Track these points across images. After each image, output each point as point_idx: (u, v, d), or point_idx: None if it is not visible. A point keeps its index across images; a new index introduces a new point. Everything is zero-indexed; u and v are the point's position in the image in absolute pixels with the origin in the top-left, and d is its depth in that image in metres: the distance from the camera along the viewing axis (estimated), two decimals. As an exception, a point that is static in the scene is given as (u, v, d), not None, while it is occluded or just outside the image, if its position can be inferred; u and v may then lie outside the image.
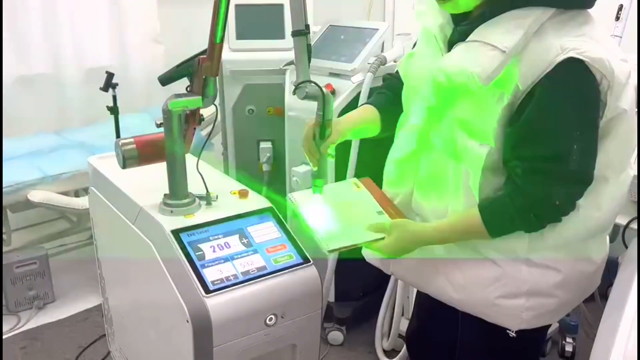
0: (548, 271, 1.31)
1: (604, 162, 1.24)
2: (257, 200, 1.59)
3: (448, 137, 1.30)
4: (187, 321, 1.30)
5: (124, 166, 1.51)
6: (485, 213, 1.27)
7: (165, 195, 1.52)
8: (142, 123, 2.89)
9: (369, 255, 1.55)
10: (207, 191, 1.55)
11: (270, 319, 1.40)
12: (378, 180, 1.55)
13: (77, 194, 2.79)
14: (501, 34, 1.18)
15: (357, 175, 2.21)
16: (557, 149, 1.18)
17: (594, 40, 1.17)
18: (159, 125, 1.48)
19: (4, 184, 2.46)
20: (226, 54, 2.60)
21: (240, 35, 2.67)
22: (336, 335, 2.50)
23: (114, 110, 2.56)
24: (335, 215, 1.44)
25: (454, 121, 1.28)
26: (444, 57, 1.28)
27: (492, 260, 1.33)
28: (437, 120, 1.34)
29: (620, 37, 2.03)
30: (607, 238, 1.42)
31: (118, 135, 2.57)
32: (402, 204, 1.47)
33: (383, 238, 1.37)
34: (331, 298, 2.52)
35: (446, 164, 1.33)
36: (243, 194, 1.60)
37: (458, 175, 1.30)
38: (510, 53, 1.17)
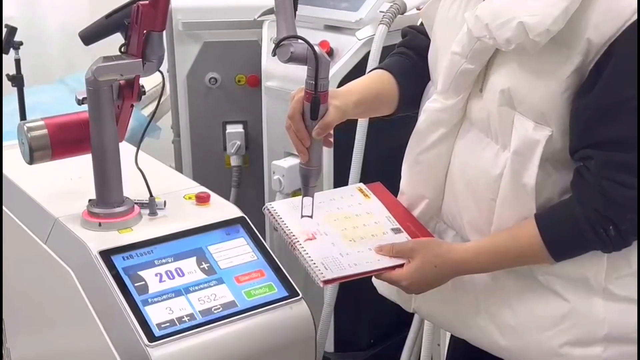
0: (634, 307, 1.33)
1: None
2: (222, 208, 1.60)
3: (491, 116, 1.32)
4: (123, 381, 1.31)
5: (31, 161, 1.52)
6: (546, 225, 1.28)
7: (90, 201, 1.53)
8: (58, 98, 2.89)
9: (382, 287, 1.56)
10: (151, 195, 1.56)
11: (242, 377, 1.42)
12: (395, 181, 1.56)
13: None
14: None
15: (365, 174, 2.23)
16: (646, 133, 1.20)
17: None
18: (80, 102, 1.49)
19: None
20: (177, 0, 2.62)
21: (197, -27, 2.69)
22: (337, 400, 2.52)
23: (16, 80, 2.56)
24: (333, 233, 1.45)
25: (498, 93, 1.29)
26: (485, 1, 1.30)
27: (555, 292, 1.34)
28: (475, 93, 1.36)
29: None
30: None
31: (23, 117, 2.57)
32: (428, 214, 1.48)
33: (402, 265, 1.38)
34: (329, 347, 2.53)
35: (489, 155, 1.34)
36: (202, 199, 1.61)
37: (506, 170, 1.31)
38: (579, -4, 1.18)
